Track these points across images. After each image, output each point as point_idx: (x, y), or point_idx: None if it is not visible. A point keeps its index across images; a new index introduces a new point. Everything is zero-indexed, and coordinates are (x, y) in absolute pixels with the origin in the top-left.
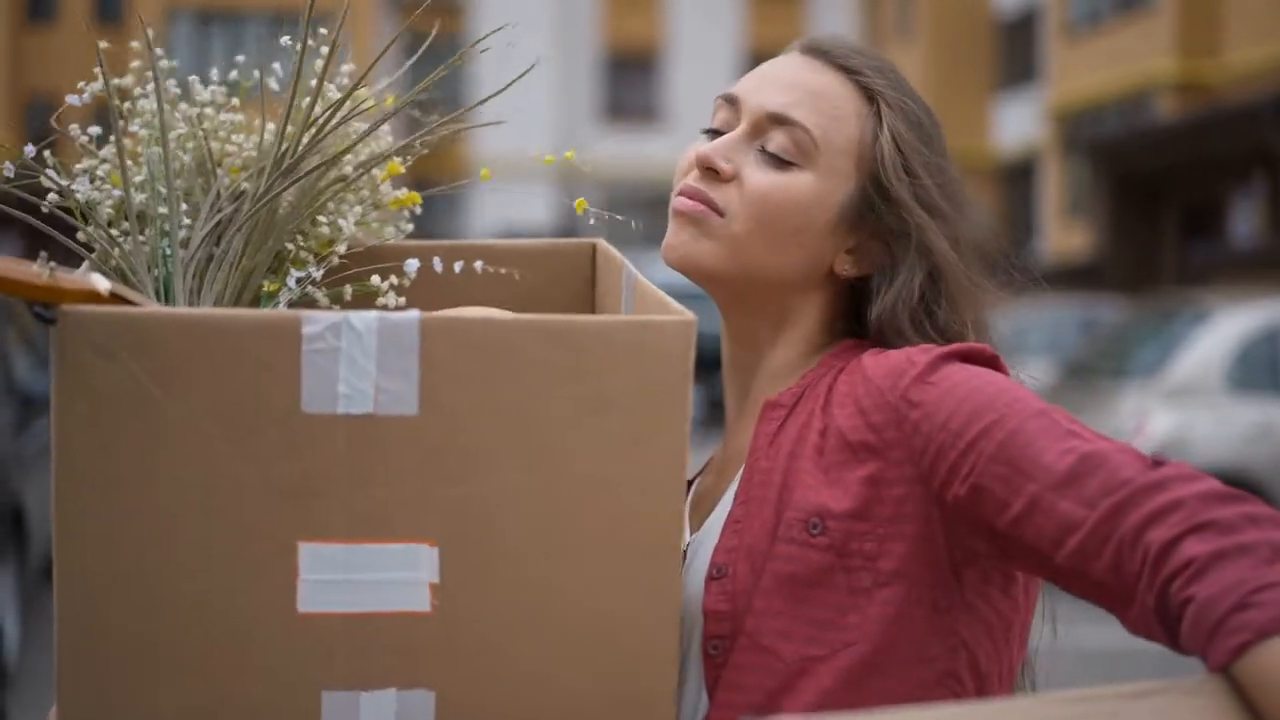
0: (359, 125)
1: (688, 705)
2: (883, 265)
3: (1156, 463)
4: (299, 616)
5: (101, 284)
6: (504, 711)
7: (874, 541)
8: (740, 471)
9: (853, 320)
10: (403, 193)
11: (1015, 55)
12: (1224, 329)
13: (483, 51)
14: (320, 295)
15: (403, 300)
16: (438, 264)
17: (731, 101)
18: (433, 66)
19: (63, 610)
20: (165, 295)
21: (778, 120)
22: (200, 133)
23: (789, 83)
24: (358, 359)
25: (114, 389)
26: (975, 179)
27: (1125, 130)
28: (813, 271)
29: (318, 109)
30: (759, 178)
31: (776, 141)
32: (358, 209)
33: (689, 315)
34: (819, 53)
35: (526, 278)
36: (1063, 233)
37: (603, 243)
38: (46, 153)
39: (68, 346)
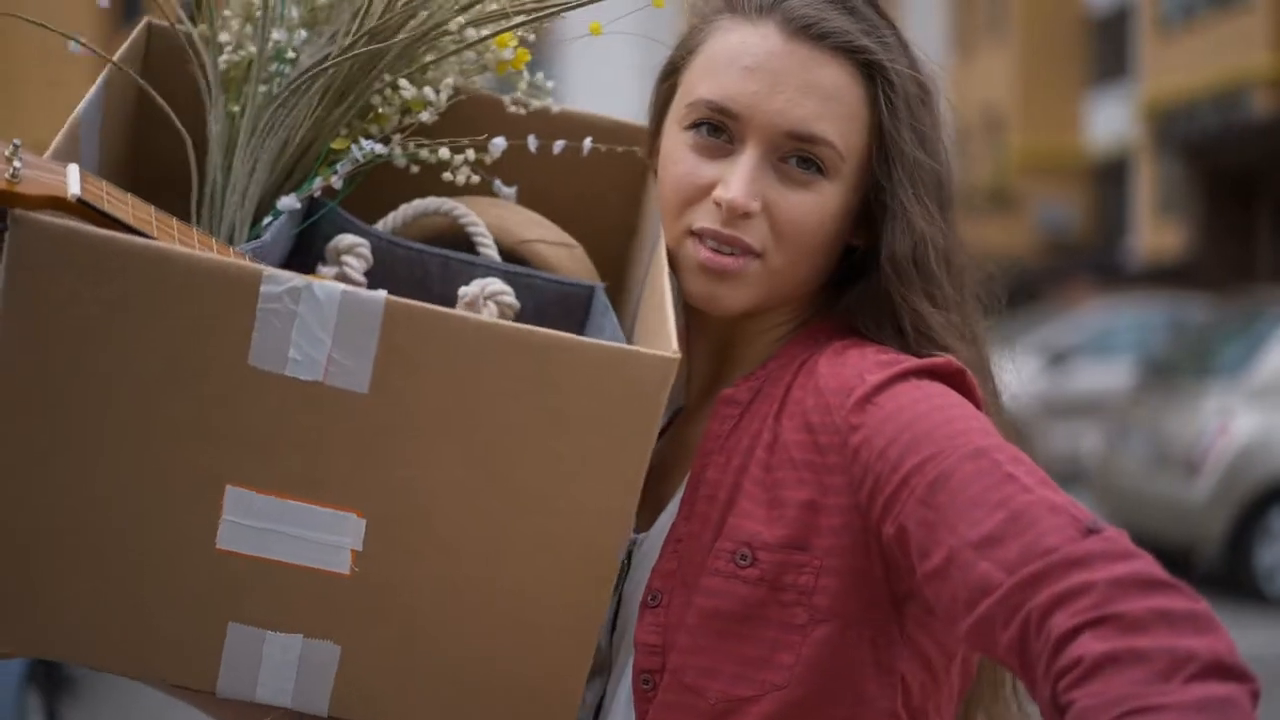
0: None
1: None
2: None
3: (1090, 530)
4: (216, 551)
5: (72, 186)
6: (405, 681)
7: (810, 574)
8: (689, 475)
9: (834, 285)
10: (510, 54)
11: (1107, 52)
12: None
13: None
14: (397, 153)
15: (475, 178)
16: (532, 142)
17: (726, 113)
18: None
19: None
20: (242, 122)
21: (799, 138)
22: None
23: (797, 88)
24: (313, 327)
25: (60, 305)
26: (1067, 177)
27: (1219, 127)
28: (831, 263)
29: None
30: (788, 203)
31: (799, 159)
32: (450, 81)
33: (671, 351)
34: (810, 36)
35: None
36: (1156, 231)
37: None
38: None
39: (18, 253)
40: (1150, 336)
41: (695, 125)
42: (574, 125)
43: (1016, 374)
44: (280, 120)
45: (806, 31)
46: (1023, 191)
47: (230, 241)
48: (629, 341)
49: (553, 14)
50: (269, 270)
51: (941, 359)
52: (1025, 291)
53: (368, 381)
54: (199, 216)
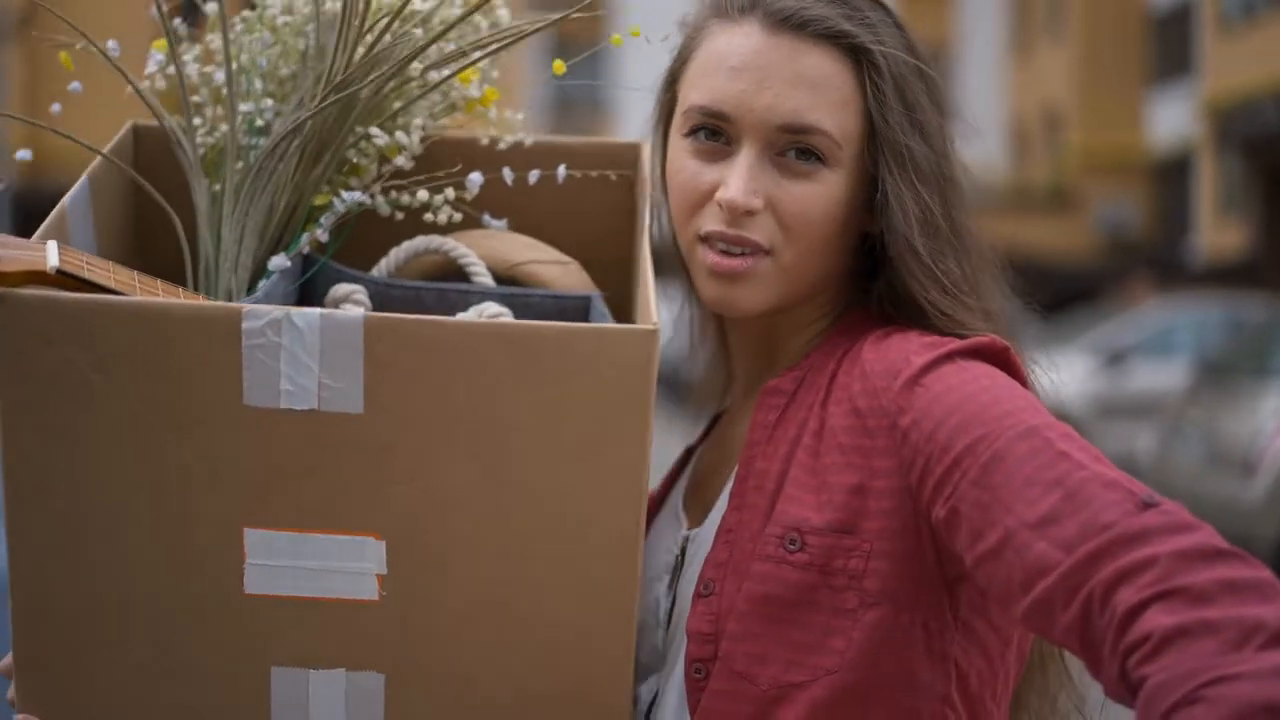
0: (417, 33)
1: None
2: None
3: (1146, 504)
4: (246, 597)
5: (51, 259)
6: (454, 698)
7: (860, 558)
8: (737, 467)
9: (865, 276)
10: (478, 90)
11: (1168, 50)
12: None
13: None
14: (379, 200)
15: (458, 216)
16: (508, 174)
17: (719, 115)
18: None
19: (16, 587)
20: (223, 196)
21: (793, 130)
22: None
23: (785, 80)
24: (300, 356)
25: (55, 374)
26: (1128, 176)
27: (1279, 125)
28: (848, 250)
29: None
30: (790, 196)
31: (797, 151)
32: (419, 122)
33: (651, 324)
34: (791, 27)
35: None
36: (1217, 230)
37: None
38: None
39: (7, 331)
40: (1208, 336)
41: (693, 132)
42: (553, 154)
43: (1054, 366)
44: (262, 186)
45: (787, 23)
46: (1083, 191)
47: None
48: None
49: (507, 45)
50: (248, 306)
51: (985, 338)
52: (1083, 291)
53: (361, 401)
54: (195, 290)
